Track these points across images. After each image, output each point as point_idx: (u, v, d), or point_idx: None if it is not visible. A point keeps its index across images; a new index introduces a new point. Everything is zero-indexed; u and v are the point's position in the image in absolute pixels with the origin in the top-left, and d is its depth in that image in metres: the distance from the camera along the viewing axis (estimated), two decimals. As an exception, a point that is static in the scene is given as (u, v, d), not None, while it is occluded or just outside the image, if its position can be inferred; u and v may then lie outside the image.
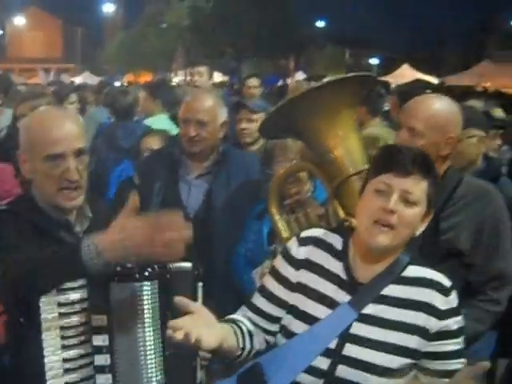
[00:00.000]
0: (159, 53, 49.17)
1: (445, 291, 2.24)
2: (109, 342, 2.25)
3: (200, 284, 2.45)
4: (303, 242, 2.39)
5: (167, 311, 2.27)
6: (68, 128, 2.48)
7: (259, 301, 2.44)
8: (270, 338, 2.42)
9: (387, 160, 2.24)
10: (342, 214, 2.93)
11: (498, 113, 7.05)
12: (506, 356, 4.07)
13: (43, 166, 2.46)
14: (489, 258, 3.07)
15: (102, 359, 2.26)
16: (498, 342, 3.83)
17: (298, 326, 2.31)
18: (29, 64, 56.24)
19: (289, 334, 2.33)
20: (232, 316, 2.44)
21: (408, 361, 2.23)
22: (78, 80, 28.17)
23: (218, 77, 23.08)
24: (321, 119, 2.89)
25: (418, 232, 2.26)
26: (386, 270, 2.27)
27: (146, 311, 2.28)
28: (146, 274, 2.28)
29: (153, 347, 2.29)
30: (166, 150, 4.15)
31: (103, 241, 2.13)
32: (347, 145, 2.93)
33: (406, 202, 2.19)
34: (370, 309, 2.25)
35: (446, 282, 2.26)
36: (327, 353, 2.23)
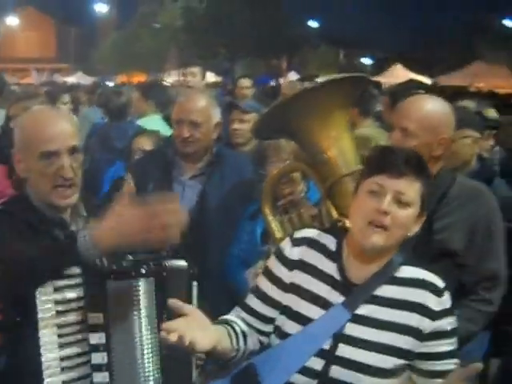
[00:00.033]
0: (152, 53, 49.13)
1: (438, 292, 2.25)
2: (105, 340, 2.26)
3: (195, 283, 2.46)
4: (297, 242, 2.40)
5: (163, 309, 2.28)
6: (62, 126, 2.51)
7: (253, 301, 2.44)
8: (264, 339, 2.42)
9: (380, 161, 2.24)
10: (335, 214, 2.93)
11: (491, 113, 7.07)
12: (498, 356, 4.08)
13: (38, 164, 2.46)
14: (481, 258, 3.08)
15: (98, 357, 2.26)
16: (491, 342, 3.85)
17: (291, 327, 2.31)
18: (22, 64, 56.07)
19: (282, 334, 2.33)
20: (225, 317, 2.44)
21: (401, 361, 2.24)
22: (71, 80, 28.15)
23: (211, 77, 23.07)
24: (314, 120, 2.89)
25: (412, 233, 2.27)
26: (379, 270, 2.28)
27: (142, 309, 2.30)
28: (142, 271, 2.30)
29: (150, 345, 2.30)
30: (160, 150, 4.15)
31: (99, 229, 2.15)
32: (340, 145, 2.93)
33: (400, 203, 2.19)
34: (364, 309, 2.25)
35: (440, 283, 2.27)
36: (321, 353, 2.24)
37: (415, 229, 2.28)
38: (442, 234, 3.04)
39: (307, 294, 2.31)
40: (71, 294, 2.24)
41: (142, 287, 2.30)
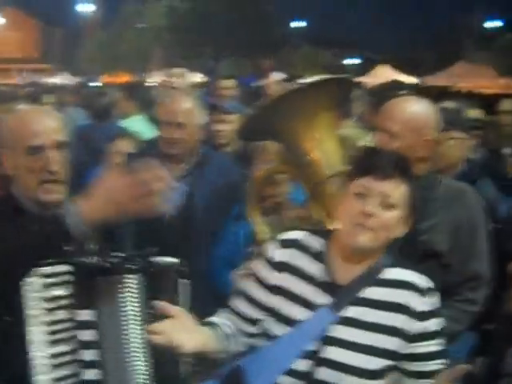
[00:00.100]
0: (137, 53, 48.99)
1: (424, 293, 2.26)
2: (95, 337, 2.26)
3: (187, 281, 2.46)
4: (283, 244, 2.40)
5: (153, 305, 2.28)
6: (47, 122, 2.57)
7: (238, 303, 2.44)
8: (250, 340, 2.42)
9: (366, 163, 2.25)
10: (319, 215, 2.94)
11: (474, 114, 7.08)
12: (483, 355, 4.10)
13: (24, 160, 2.50)
14: (465, 259, 3.10)
15: (89, 354, 2.27)
16: (476, 341, 3.86)
17: (278, 329, 2.31)
18: (5, 64, 55.74)
19: (269, 336, 2.33)
20: (212, 318, 2.44)
21: (388, 362, 2.24)
22: (55, 81, 28.01)
23: (195, 77, 23.02)
24: (299, 121, 2.90)
25: (399, 234, 2.28)
26: (365, 272, 2.29)
27: (131, 305, 2.29)
28: (131, 267, 2.30)
29: (140, 341, 2.30)
30: (144, 152, 4.14)
31: (87, 202, 2.16)
32: (325, 147, 2.94)
33: (385, 205, 2.20)
34: (350, 311, 2.26)
35: (426, 284, 2.28)
36: (307, 355, 2.24)
37: (404, 230, 2.28)
38: (426, 235, 3.05)
39: (293, 296, 2.32)
40: (60, 292, 2.24)
41: (131, 283, 2.30)
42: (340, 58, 57.74)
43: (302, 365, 2.24)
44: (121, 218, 2.22)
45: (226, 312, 2.46)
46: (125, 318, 2.29)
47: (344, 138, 3.91)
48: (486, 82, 23.65)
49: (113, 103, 6.47)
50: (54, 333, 2.23)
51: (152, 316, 2.25)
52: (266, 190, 3.44)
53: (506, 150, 6.24)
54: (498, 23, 51.12)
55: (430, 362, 2.28)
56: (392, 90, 5.46)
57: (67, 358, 2.25)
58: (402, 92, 5.09)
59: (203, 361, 2.30)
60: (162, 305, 2.16)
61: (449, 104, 6.12)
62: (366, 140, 3.81)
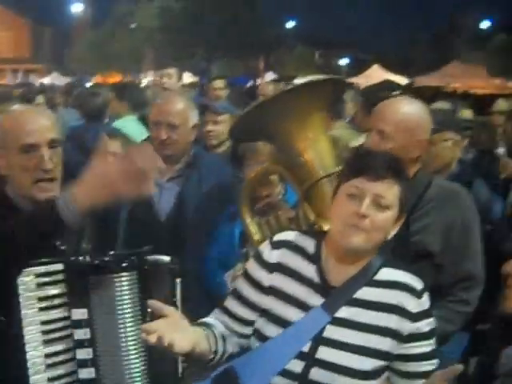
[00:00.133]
0: (128, 53, 48.93)
1: (417, 293, 2.26)
2: (90, 336, 2.27)
3: (178, 280, 2.46)
4: (276, 245, 2.39)
5: (147, 303, 2.28)
6: (40, 120, 2.58)
7: (232, 304, 2.43)
8: (243, 341, 2.42)
9: (359, 164, 2.25)
10: (312, 216, 2.94)
11: (466, 114, 7.11)
12: (476, 355, 4.11)
13: (18, 159, 2.52)
14: (458, 259, 3.11)
15: (84, 353, 2.28)
16: (470, 341, 3.87)
17: (271, 330, 2.31)
18: (-4, 64, 55.57)
19: (262, 337, 2.33)
20: (205, 319, 2.43)
21: (381, 363, 2.24)
22: (46, 81, 27.94)
23: (187, 77, 23.00)
24: (291, 122, 2.90)
25: (390, 235, 2.28)
26: (358, 273, 2.28)
27: (125, 303, 2.30)
28: (124, 265, 2.30)
29: (134, 339, 2.30)
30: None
31: (79, 187, 2.16)
32: (317, 148, 2.94)
33: (379, 206, 2.20)
34: (343, 312, 2.26)
35: (418, 285, 2.28)
36: (301, 356, 2.24)
37: (394, 231, 2.28)
38: (418, 235, 3.06)
39: (287, 297, 2.31)
40: (54, 291, 2.26)
41: (125, 281, 2.31)
42: (333, 57, 57.79)
43: (296, 365, 2.24)
44: (112, 202, 2.19)
45: (219, 313, 2.46)
46: (119, 317, 2.29)
47: (336, 139, 3.92)
48: (480, 82, 23.73)
49: (106, 104, 6.44)
50: (48, 332, 2.24)
51: (146, 314, 2.26)
52: (259, 191, 3.43)
53: (499, 151, 6.27)
54: (490, 23, 51.32)
55: (423, 363, 2.28)
56: (384, 90, 5.46)
57: (63, 357, 2.26)
58: (394, 93, 5.09)
59: (196, 361, 2.30)
60: (155, 304, 2.16)
61: (442, 104, 6.14)
62: (359, 141, 3.80)
